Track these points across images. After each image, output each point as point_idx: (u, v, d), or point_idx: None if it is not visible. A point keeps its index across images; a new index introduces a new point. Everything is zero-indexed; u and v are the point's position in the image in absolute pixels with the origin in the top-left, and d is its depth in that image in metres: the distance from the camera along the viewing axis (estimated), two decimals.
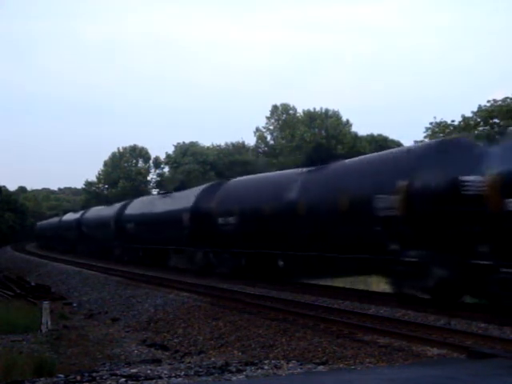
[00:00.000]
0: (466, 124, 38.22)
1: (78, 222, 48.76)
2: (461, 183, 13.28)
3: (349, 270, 18.97)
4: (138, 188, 74.69)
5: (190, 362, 10.97)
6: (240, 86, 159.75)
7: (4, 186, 77.71)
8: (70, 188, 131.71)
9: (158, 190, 75.19)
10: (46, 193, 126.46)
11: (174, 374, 8.67)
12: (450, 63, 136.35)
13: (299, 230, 19.12)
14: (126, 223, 35.61)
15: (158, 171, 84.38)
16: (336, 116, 68.39)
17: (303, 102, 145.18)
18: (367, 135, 65.43)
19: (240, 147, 73.34)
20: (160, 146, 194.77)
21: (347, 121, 68.97)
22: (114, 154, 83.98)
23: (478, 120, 38.13)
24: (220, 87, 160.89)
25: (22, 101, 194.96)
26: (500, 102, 36.98)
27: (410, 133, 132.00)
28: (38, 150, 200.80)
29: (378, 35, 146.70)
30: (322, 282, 21.62)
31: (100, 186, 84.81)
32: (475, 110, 38.54)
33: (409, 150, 16.34)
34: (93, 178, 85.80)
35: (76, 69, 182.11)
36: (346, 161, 18.92)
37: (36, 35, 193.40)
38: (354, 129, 68.22)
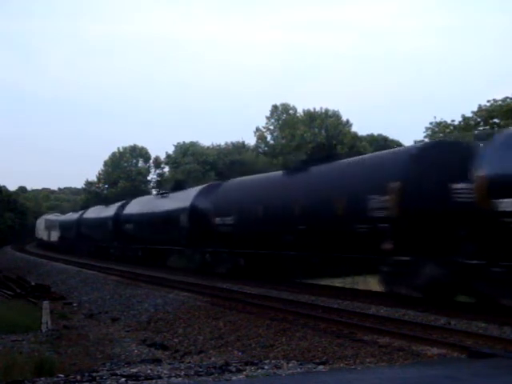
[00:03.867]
0: (466, 124, 38.23)
1: (116, 219, 38.02)
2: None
3: None
4: (138, 188, 74.71)
5: (189, 362, 10.96)
6: (240, 86, 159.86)
7: (4, 186, 77.86)
8: (69, 188, 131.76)
9: (158, 189, 75.27)
10: (46, 193, 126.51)
11: (174, 374, 8.66)
12: (450, 63, 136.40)
13: None
14: (213, 217, 24.60)
15: (158, 171, 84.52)
16: (336, 116, 68.38)
17: (303, 102, 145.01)
18: (367, 135, 65.46)
19: (240, 147, 73.31)
20: (160, 146, 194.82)
21: (347, 121, 68.94)
22: (114, 154, 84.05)
23: (478, 120, 38.15)
24: (220, 87, 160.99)
25: (22, 101, 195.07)
26: (500, 102, 37.00)
27: (410, 133, 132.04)
28: (38, 150, 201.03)
29: (378, 35, 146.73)
30: (323, 282, 21.63)
31: (100, 185, 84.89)
32: (475, 109, 38.58)
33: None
34: (93, 177, 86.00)
35: (76, 69, 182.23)
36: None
37: (36, 35, 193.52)
38: (353, 129, 68.22)
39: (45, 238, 67.25)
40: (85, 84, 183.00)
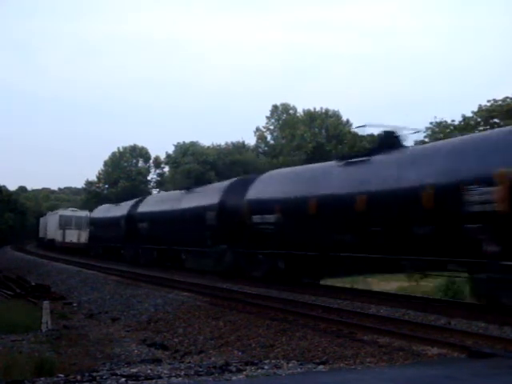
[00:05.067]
0: (466, 124, 38.26)
1: (222, 209, 24.57)
2: None
3: None
4: (138, 188, 74.78)
5: (190, 362, 10.95)
6: (240, 86, 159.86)
7: (4, 186, 77.91)
8: (70, 188, 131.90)
9: (158, 189, 75.32)
10: (46, 193, 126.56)
11: (174, 374, 8.65)
12: (450, 63, 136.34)
13: None
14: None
15: (158, 171, 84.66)
16: (336, 116, 68.40)
17: (303, 102, 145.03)
18: (367, 135, 65.40)
19: (240, 147, 73.33)
20: (160, 146, 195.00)
21: (347, 121, 69.01)
22: (114, 154, 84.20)
23: (478, 120, 38.18)
24: (220, 87, 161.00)
25: (22, 101, 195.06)
26: (500, 102, 37.03)
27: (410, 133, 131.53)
28: (38, 150, 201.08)
29: (378, 35, 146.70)
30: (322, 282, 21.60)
31: (100, 185, 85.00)
32: (475, 109, 38.62)
33: None
34: (93, 177, 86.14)
35: (76, 69, 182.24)
36: None
37: (36, 35, 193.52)
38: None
39: (58, 238, 54.06)
40: (85, 84, 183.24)
